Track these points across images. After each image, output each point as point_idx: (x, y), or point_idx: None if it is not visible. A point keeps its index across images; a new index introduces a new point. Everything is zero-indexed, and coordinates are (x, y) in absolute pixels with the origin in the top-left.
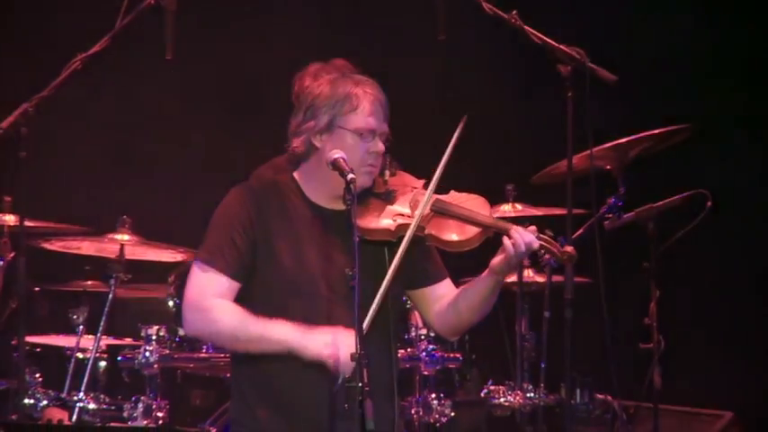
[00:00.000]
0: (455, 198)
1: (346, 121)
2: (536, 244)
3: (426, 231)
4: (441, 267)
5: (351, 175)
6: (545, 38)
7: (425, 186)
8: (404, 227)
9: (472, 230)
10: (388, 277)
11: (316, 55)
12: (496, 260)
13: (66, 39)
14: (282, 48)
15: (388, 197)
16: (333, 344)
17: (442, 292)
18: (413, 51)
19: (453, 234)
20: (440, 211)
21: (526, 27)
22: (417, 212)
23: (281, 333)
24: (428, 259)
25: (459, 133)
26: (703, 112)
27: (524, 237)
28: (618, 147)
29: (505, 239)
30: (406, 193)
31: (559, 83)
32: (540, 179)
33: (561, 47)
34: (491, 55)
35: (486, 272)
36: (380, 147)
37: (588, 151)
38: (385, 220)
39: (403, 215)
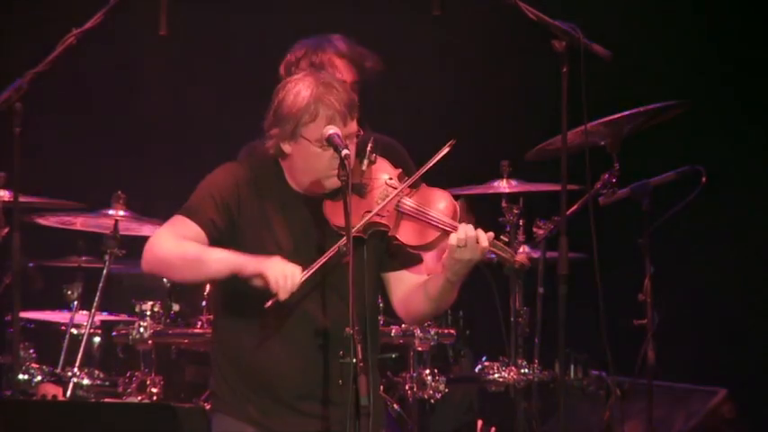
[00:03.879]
0: (422, 195)
1: (307, 132)
2: (484, 243)
3: (390, 233)
4: (411, 253)
5: (345, 151)
6: (540, 14)
7: (400, 176)
8: (370, 225)
9: (432, 234)
10: (323, 260)
11: (311, 28)
12: (444, 256)
13: (60, 14)
14: (279, 21)
15: (361, 191)
16: (275, 265)
17: (410, 278)
18: (408, 26)
19: (414, 236)
20: (402, 212)
21: (521, 3)
22: (373, 212)
23: (222, 253)
24: (400, 244)
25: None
26: (698, 87)
27: (469, 232)
28: (612, 122)
29: (451, 235)
30: (380, 187)
31: (554, 58)
32: (534, 155)
33: (556, 23)
34: (486, 31)
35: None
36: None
37: (583, 127)
38: (354, 216)
39: (370, 213)
